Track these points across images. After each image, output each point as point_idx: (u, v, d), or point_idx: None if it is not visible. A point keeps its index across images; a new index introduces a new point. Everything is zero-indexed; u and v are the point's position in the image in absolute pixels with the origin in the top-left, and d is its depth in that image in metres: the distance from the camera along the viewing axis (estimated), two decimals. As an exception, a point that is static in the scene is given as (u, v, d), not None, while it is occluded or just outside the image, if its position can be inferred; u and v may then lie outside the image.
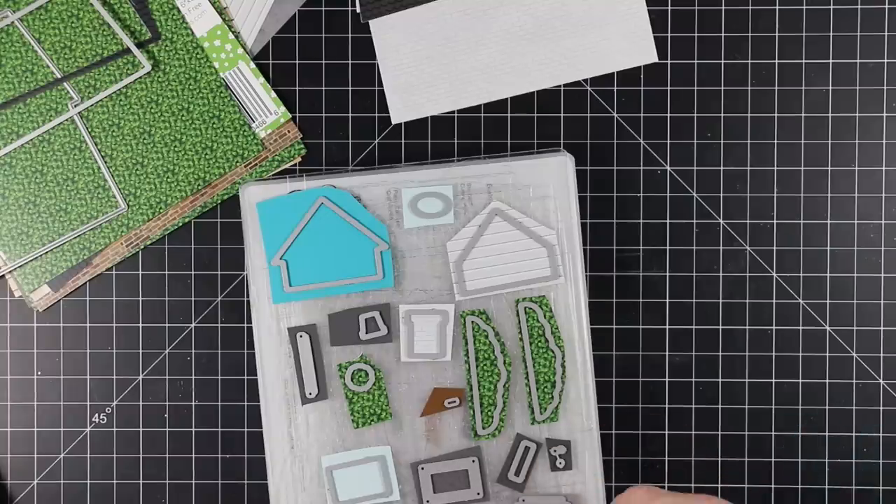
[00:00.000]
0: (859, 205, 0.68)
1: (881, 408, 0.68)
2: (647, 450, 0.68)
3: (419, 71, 0.68)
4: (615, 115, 0.68)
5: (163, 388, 0.68)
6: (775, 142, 0.68)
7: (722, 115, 0.68)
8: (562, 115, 0.68)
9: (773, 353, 0.68)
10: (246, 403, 0.68)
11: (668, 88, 0.68)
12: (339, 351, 0.66)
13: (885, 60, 0.68)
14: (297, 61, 0.68)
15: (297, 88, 0.68)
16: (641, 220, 0.68)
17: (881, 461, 0.68)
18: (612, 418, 0.68)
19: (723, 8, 0.68)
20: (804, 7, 0.68)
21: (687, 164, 0.68)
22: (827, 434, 0.68)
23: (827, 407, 0.68)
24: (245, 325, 0.68)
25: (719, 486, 0.68)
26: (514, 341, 0.66)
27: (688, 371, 0.68)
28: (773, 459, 0.68)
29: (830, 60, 0.68)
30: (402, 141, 0.68)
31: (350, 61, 0.68)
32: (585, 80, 0.68)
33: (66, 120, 0.67)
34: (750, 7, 0.68)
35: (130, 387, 0.68)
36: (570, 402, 0.66)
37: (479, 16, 0.68)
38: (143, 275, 0.68)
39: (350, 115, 0.68)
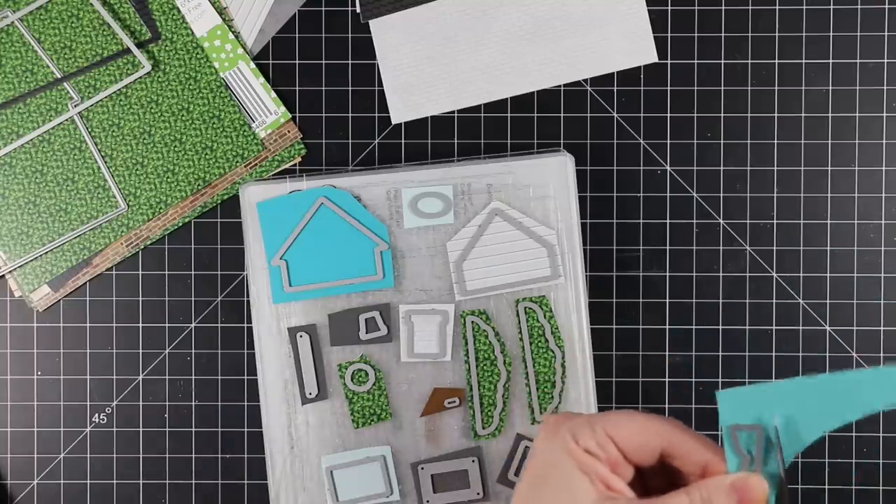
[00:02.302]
0: (859, 205, 0.68)
1: (881, 408, 0.68)
2: (647, 450, 0.68)
3: (419, 71, 0.68)
4: (615, 115, 0.68)
5: (163, 388, 0.68)
6: (775, 142, 0.68)
7: (722, 115, 0.68)
8: (562, 115, 0.68)
9: (773, 353, 0.68)
10: (246, 403, 0.68)
11: (668, 88, 0.68)
12: (339, 351, 0.66)
13: (885, 60, 0.68)
14: (297, 61, 0.68)
15: (297, 88, 0.68)
16: (641, 220, 0.68)
17: (881, 461, 0.68)
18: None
19: (723, 8, 0.68)
20: (804, 7, 0.68)
21: (687, 164, 0.68)
22: (827, 434, 0.68)
23: (827, 407, 0.68)
24: (245, 325, 0.68)
25: (719, 486, 0.68)
26: (514, 341, 0.66)
27: (688, 371, 0.68)
28: (773, 459, 0.68)
29: (830, 60, 0.68)
30: (402, 141, 0.68)
31: (350, 61, 0.68)
32: (585, 80, 0.68)
33: (66, 120, 0.67)
34: (750, 7, 0.68)
35: (130, 387, 0.68)
36: (570, 402, 0.66)
37: (479, 16, 0.68)
38: (143, 275, 0.68)
39: (350, 115, 0.68)
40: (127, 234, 0.68)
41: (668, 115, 0.68)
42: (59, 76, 0.67)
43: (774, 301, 0.68)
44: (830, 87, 0.68)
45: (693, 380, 0.68)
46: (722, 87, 0.68)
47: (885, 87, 0.68)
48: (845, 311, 0.68)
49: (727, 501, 0.49)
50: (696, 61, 0.68)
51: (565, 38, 0.68)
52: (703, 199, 0.68)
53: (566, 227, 0.66)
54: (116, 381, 0.68)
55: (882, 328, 0.68)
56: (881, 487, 0.68)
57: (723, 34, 0.68)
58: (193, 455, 0.68)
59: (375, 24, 0.68)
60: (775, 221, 0.68)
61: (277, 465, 0.66)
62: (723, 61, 0.68)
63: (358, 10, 0.68)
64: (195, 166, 0.68)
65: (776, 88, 0.68)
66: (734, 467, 0.50)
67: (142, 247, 0.68)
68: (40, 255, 0.68)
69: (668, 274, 0.68)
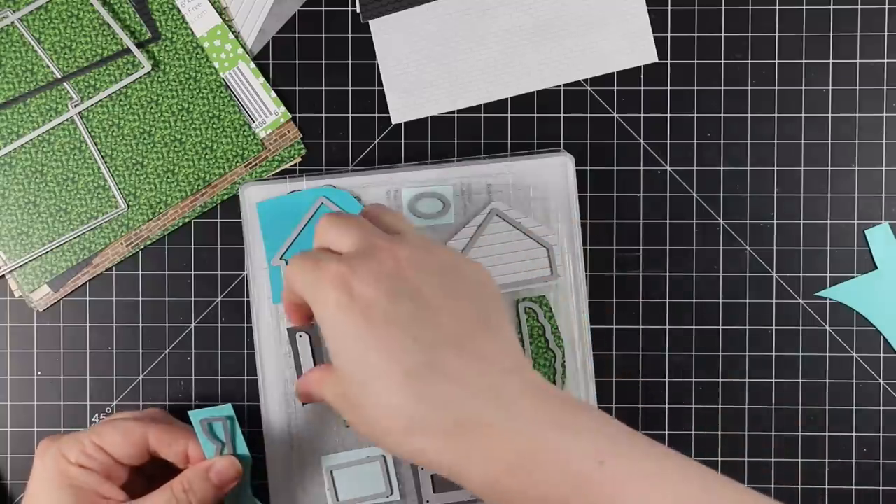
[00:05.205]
0: (859, 205, 0.68)
1: (881, 408, 0.68)
2: (647, 450, 0.68)
3: (419, 71, 0.68)
4: (615, 115, 0.68)
5: (163, 388, 0.68)
6: (775, 142, 0.68)
7: (722, 115, 0.68)
8: (562, 115, 0.68)
9: (773, 353, 0.68)
10: (246, 403, 0.68)
11: (668, 88, 0.68)
12: (339, 351, 0.66)
13: (885, 60, 0.68)
14: (297, 61, 0.68)
15: (297, 88, 0.68)
16: (641, 220, 0.68)
17: (881, 461, 0.68)
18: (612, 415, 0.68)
19: (723, 8, 0.68)
20: (804, 7, 0.68)
21: (687, 164, 0.68)
22: (827, 434, 0.68)
23: (827, 407, 0.68)
24: (245, 325, 0.68)
25: (719, 486, 0.68)
26: (514, 341, 0.66)
27: (688, 371, 0.68)
28: (773, 459, 0.68)
29: (830, 60, 0.68)
30: (402, 141, 0.68)
31: (350, 61, 0.68)
32: (585, 80, 0.68)
33: (66, 120, 0.67)
34: (750, 7, 0.68)
35: (130, 387, 0.68)
36: (570, 402, 0.66)
37: (479, 16, 0.68)
38: (143, 275, 0.68)
39: (350, 115, 0.68)
40: (127, 234, 0.68)
41: (668, 115, 0.68)
42: (59, 76, 0.67)
43: (774, 301, 0.68)
44: (830, 87, 0.68)
45: (693, 380, 0.68)
46: (722, 87, 0.68)
47: (885, 87, 0.68)
48: (845, 312, 0.68)
49: (207, 485, 0.58)
50: (696, 61, 0.68)
51: (565, 38, 0.68)
52: (703, 199, 0.68)
53: (566, 226, 0.66)
54: (116, 381, 0.68)
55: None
56: (881, 487, 0.68)
57: (723, 34, 0.68)
58: (193, 455, 0.68)
59: (375, 24, 0.68)
60: (775, 221, 0.68)
61: (277, 465, 0.66)
62: (723, 61, 0.68)
63: (358, 10, 0.68)
64: (195, 166, 0.68)
65: (776, 88, 0.68)
66: (210, 453, 0.60)
67: (142, 247, 0.68)
68: (40, 255, 0.68)
69: (668, 274, 0.68)
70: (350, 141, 0.68)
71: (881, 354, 0.68)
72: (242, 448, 0.61)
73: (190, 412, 0.61)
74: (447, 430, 0.44)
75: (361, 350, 0.46)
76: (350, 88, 0.68)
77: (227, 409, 0.61)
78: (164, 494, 0.57)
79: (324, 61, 0.68)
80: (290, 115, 0.68)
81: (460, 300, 0.48)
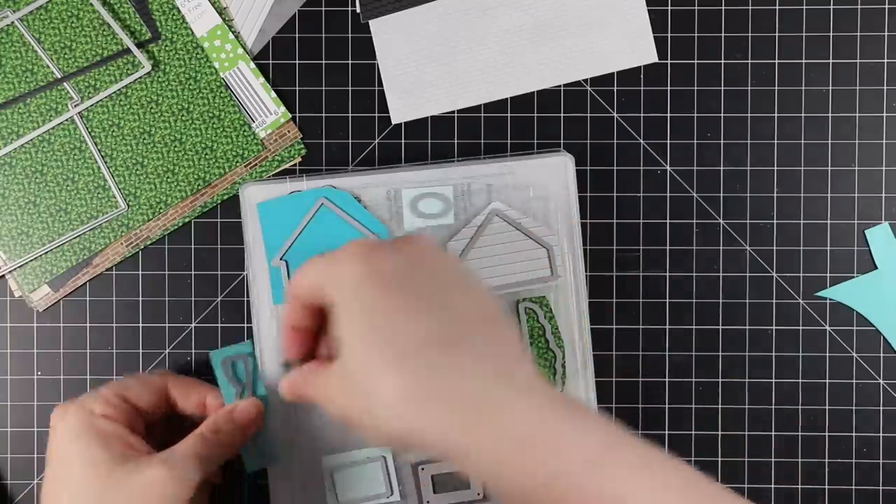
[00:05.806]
0: (859, 205, 0.68)
1: (881, 408, 0.68)
2: (647, 450, 0.68)
3: (419, 71, 0.68)
4: (615, 115, 0.68)
5: (163, 388, 0.68)
6: (775, 142, 0.68)
7: (722, 115, 0.68)
8: (562, 115, 0.68)
9: (773, 353, 0.68)
10: (246, 403, 0.68)
11: (668, 88, 0.68)
12: (339, 351, 0.66)
13: (885, 60, 0.68)
14: (297, 61, 0.68)
15: (297, 88, 0.68)
16: (641, 220, 0.68)
17: (881, 461, 0.68)
18: (612, 418, 0.68)
19: (723, 8, 0.68)
20: (804, 7, 0.68)
21: (687, 164, 0.68)
22: (827, 434, 0.68)
23: (827, 407, 0.68)
24: (245, 325, 0.68)
25: (719, 485, 0.68)
26: (514, 341, 0.66)
27: (688, 371, 0.68)
28: (772, 459, 0.68)
29: (830, 60, 0.68)
30: (402, 141, 0.68)
31: (350, 61, 0.68)
32: (585, 80, 0.68)
33: (66, 120, 0.67)
34: (750, 7, 0.68)
35: (130, 387, 0.68)
36: (570, 402, 0.66)
37: (479, 16, 0.68)
38: (143, 275, 0.68)
39: (350, 115, 0.68)
40: (127, 234, 0.68)
41: (668, 115, 0.68)
42: (59, 76, 0.67)
43: (774, 301, 0.68)
44: (830, 87, 0.68)
45: (693, 380, 0.68)
46: (722, 87, 0.68)
47: (885, 87, 0.68)
48: (845, 312, 0.68)
49: (232, 426, 0.59)
50: (696, 61, 0.68)
51: (565, 38, 0.68)
52: (703, 199, 0.68)
53: (566, 227, 0.66)
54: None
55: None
56: (881, 487, 0.68)
57: (723, 34, 0.68)
58: (193, 455, 0.68)
59: (375, 24, 0.68)
60: (775, 221, 0.68)
61: (277, 466, 0.66)
62: (723, 61, 0.68)
63: (358, 10, 0.68)
64: (195, 166, 0.68)
65: (776, 88, 0.68)
66: (230, 398, 0.61)
67: (142, 247, 0.68)
68: (40, 255, 0.68)
69: (668, 274, 0.68)
70: (350, 141, 0.68)
71: (881, 354, 0.68)
72: (261, 389, 0.62)
73: (212, 352, 0.62)
74: (455, 405, 0.43)
75: (375, 318, 0.44)
76: (350, 88, 0.68)
77: (247, 347, 0.62)
78: (194, 438, 0.57)
79: (324, 61, 0.68)
80: (290, 115, 0.68)
81: (473, 290, 0.48)
